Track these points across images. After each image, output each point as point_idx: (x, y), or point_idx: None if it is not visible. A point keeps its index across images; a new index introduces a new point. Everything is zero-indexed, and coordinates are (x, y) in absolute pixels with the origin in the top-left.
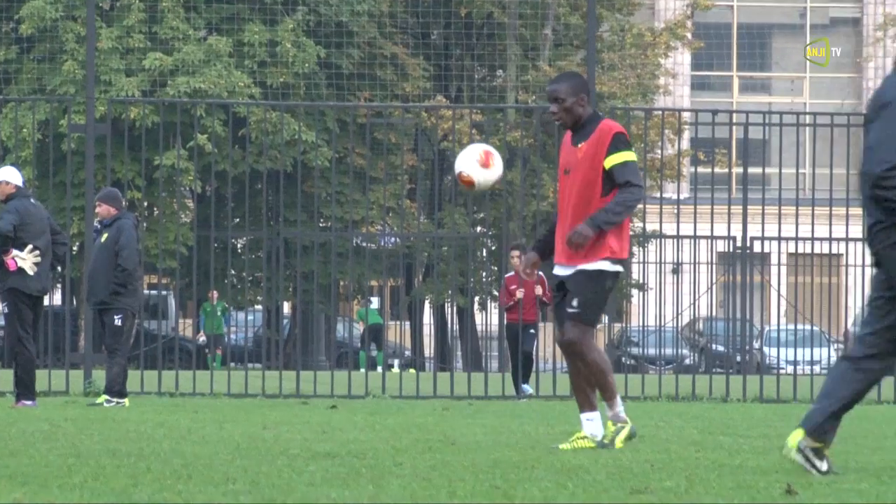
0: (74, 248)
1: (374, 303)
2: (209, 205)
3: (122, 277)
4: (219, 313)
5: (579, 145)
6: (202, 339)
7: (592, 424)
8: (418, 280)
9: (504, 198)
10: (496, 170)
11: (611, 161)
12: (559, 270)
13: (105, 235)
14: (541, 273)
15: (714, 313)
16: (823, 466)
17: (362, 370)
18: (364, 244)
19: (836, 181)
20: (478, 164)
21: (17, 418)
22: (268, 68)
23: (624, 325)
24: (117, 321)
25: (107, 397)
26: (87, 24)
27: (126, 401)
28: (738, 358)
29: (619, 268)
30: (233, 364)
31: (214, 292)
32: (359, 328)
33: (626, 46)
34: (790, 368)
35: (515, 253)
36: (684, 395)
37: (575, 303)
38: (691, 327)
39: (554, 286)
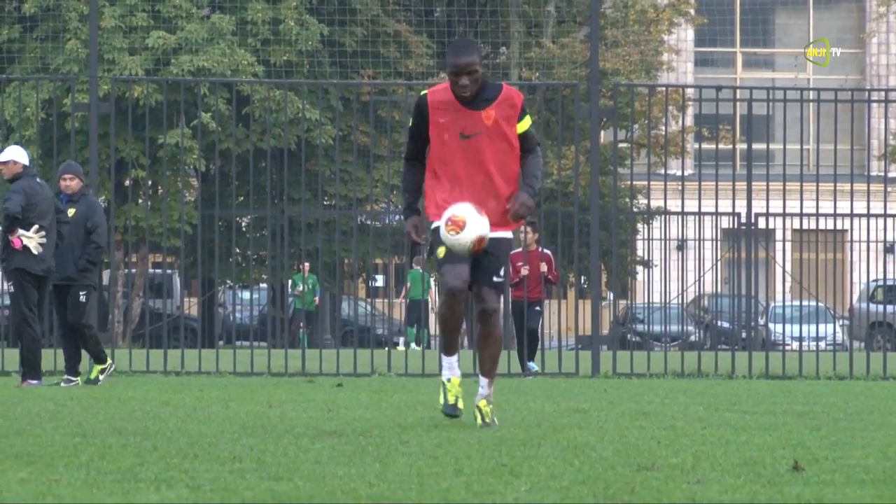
0: None
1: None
2: (213, 183)
3: (95, 255)
4: (310, 286)
5: (485, 110)
6: (299, 289)
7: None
8: (423, 257)
9: None
10: (484, 225)
11: (522, 126)
12: None
13: (73, 211)
14: (547, 251)
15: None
16: None
17: (412, 347)
18: (368, 222)
19: (840, 157)
20: (480, 214)
21: (23, 398)
22: (271, 46)
23: (629, 302)
24: (82, 297)
25: (99, 368)
26: (90, 3)
27: (110, 362)
28: (744, 334)
29: None
30: (238, 342)
31: (307, 264)
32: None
33: (629, 23)
34: (795, 345)
35: (529, 230)
36: (690, 372)
37: (502, 272)
38: (696, 304)
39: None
